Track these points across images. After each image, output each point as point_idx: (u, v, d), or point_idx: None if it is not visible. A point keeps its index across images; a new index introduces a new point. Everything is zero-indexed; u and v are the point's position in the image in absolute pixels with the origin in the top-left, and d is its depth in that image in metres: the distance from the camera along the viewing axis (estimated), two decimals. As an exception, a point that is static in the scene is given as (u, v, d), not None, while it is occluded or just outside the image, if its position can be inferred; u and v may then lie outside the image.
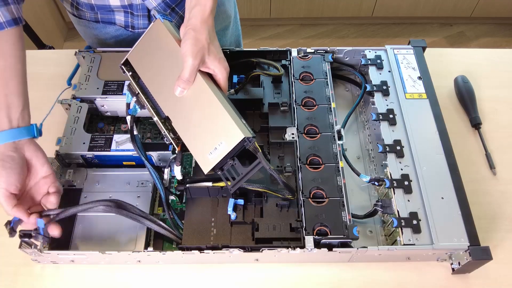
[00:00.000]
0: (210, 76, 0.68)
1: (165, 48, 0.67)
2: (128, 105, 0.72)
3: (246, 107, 0.81)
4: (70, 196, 0.75)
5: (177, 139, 0.68)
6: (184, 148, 0.67)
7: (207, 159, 0.64)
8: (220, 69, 0.66)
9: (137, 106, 0.71)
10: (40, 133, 0.68)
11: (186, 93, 0.65)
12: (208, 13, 0.67)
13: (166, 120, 0.68)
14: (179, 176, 0.70)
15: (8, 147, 0.64)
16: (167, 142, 0.68)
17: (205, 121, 0.65)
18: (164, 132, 0.68)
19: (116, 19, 0.89)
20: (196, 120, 0.65)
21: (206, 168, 0.64)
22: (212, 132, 0.64)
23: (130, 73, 0.71)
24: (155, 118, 0.68)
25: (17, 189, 0.63)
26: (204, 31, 0.65)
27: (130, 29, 0.90)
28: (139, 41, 0.70)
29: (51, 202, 0.66)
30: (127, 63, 0.71)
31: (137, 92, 0.70)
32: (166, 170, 0.72)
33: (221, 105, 0.63)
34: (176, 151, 0.68)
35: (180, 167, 0.69)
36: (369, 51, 0.88)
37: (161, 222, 0.69)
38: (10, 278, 0.72)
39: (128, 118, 0.71)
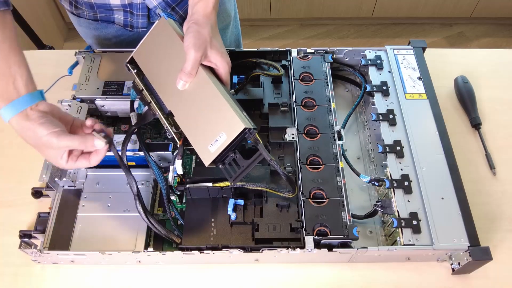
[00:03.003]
0: (212, 71, 0.68)
1: (169, 45, 0.68)
2: (132, 102, 0.73)
3: (246, 108, 0.80)
4: (70, 196, 0.75)
5: (179, 133, 0.68)
6: (186, 143, 0.67)
7: (208, 151, 0.64)
8: (222, 63, 0.67)
9: (141, 103, 0.71)
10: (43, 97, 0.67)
11: (189, 86, 0.66)
12: (211, 9, 0.68)
13: (169, 115, 0.68)
14: (180, 171, 0.70)
15: (24, 116, 0.62)
16: (169, 137, 0.68)
17: (207, 113, 0.65)
18: (167, 126, 0.68)
19: (115, 18, 0.89)
20: (198, 113, 0.65)
21: (207, 161, 0.64)
22: (213, 124, 0.64)
23: (135, 71, 0.71)
24: (158, 113, 0.69)
25: (67, 125, 0.65)
26: (206, 26, 0.66)
27: (129, 29, 0.90)
28: (144, 39, 0.70)
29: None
30: (132, 61, 0.72)
31: (141, 89, 0.71)
32: (172, 168, 0.71)
33: (223, 97, 0.63)
34: (178, 145, 0.68)
35: (181, 161, 0.69)
36: (369, 52, 0.88)
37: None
38: (10, 279, 0.72)
39: (133, 114, 0.72)
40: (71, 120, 0.67)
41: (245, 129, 0.61)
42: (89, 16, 0.89)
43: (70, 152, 0.65)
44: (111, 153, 0.75)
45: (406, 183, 0.71)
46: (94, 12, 0.87)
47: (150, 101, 0.70)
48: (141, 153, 0.73)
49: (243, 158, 0.64)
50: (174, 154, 0.73)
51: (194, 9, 0.67)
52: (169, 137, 0.68)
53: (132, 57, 0.72)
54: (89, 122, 0.66)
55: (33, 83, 0.65)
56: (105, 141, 0.65)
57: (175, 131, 0.68)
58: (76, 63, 0.88)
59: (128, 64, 0.72)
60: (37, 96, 0.64)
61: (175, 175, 0.72)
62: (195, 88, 0.66)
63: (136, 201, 0.67)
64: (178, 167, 0.69)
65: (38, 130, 0.61)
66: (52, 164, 0.66)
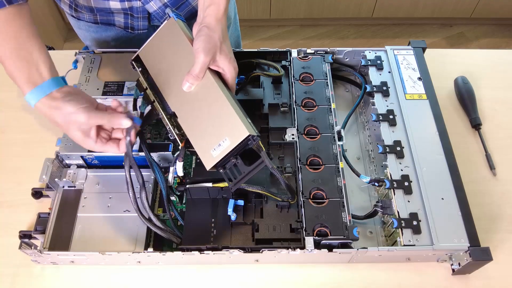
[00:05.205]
0: (218, 75, 0.68)
1: (176, 46, 0.68)
2: (135, 100, 0.72)
3: (246, 108, 0.81)
4: (70, 196, 0.75)
5: (182, 135, 0.68)
6: (187, 145, 0.68)
7: (210, 155, 0.64)
8: (229, 69, 0.67)
9: (144, 102, 0.71)
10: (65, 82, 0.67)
11: (195, 89, 0.66)
12: (222, 13, 0.68)
13: (172, 116, 0.68)
14: (180, 172, 0.70)
15: (50, 97, 0.63)
16: (171, 138, 0.69)
17: (211, 118, 0.65)
18: (169, 127, 0.68)
19: (116, 21, 0.89)
20: (202, 116, 0.65)
21: (208, 165, 0.64)
22: (217, 129, 0.64)
23: (140, 69, 0.72)
24: (161, 113, 0.69)
25: (93, 105, 0.64)
26: (217, 30, 0.66)
27: (129, 30, 0.91)
28: (152, 38, 0.70)
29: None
30: (137, 59, 0.72)
31: (145, 88, 0.71)
32: (172, 169, 0.71)
33: (228, 102, 0.64)
34: (180, 147, 0.68)
35: (182, 163, 0.69)
36: (369, 52, 0.88)
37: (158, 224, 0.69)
38: (10, 279, 0.72)
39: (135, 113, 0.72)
40: (96, 103, 0.67)
41: (249, 135, 0.62)
42: (89, 19, 0.89)
43: (99, 133, 0.65)
44: (111, 154, 0.75)
45: (406, 183, 0.71)
46: (94, 15, 0.87)
47: (154, 101, 0.70)
48: (142, 153, 0.73)
49: (245, 162, 0.64)
50: (175, 155, 0.73)
51: (206, 12, 0.67)
52: (171, 138, 0.68)
53: (138, 55, 0.72)
54: (114, 103, 0.67)
55: (55, 69, 0.66)
56: (132, 120, 0.65)
57: (177, 132, 0.68)
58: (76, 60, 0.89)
59: (133, 62, 0.72)
60: (60, 80, 0.65)
61: (175, 176, 0.72)
62: (201, 91, 0.66)
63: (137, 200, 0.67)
64: (179, 168, 0.69)
65: (66, 107, 0.62)
66: (81, 146, 0.66)
